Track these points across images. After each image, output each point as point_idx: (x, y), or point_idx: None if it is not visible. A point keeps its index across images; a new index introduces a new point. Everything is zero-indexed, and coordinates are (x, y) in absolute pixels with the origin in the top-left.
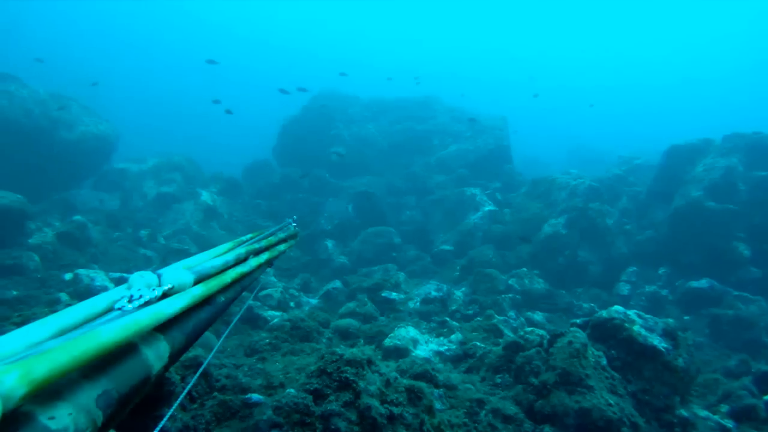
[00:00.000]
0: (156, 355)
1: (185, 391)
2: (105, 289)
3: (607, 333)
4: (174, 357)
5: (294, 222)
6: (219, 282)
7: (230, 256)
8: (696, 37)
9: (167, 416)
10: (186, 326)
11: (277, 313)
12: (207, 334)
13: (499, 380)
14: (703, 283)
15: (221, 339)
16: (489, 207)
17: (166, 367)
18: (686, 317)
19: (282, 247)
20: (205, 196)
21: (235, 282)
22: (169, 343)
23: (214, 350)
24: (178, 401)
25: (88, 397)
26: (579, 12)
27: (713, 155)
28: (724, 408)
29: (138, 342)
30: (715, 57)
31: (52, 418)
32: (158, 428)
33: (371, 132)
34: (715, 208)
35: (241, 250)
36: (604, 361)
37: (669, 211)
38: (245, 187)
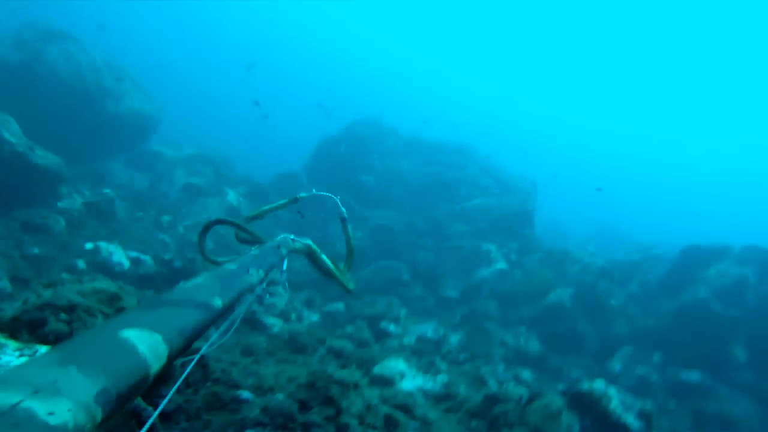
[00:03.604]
0: (154, 355)
1: (181, 378)
2: (120, 265)
3: (584, 403)
4: (172, 357)
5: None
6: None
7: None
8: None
9: (165, 400)
10: (185, 329)
11: (278, 321)
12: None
13: (474, 425)
14: (693, 375)
15: (215, 334)
16: (501, 265)
17: (164, 367)
18: (671, 405)
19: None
20: (231, 196)
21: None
22: (167, 345)
23: (209, 342)
24: (175, 387)
25: (88, 394)
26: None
27: (728, 262)
28: None
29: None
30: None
31: (51, 413)
32: (157, 412)
33: (404, 168)
34: (720, 311)
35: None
36: (576, 429)
37: (675, 304)
38: (271, 195)
